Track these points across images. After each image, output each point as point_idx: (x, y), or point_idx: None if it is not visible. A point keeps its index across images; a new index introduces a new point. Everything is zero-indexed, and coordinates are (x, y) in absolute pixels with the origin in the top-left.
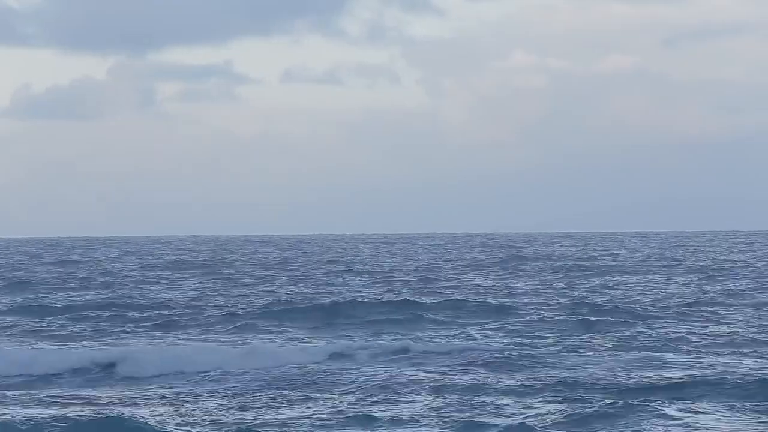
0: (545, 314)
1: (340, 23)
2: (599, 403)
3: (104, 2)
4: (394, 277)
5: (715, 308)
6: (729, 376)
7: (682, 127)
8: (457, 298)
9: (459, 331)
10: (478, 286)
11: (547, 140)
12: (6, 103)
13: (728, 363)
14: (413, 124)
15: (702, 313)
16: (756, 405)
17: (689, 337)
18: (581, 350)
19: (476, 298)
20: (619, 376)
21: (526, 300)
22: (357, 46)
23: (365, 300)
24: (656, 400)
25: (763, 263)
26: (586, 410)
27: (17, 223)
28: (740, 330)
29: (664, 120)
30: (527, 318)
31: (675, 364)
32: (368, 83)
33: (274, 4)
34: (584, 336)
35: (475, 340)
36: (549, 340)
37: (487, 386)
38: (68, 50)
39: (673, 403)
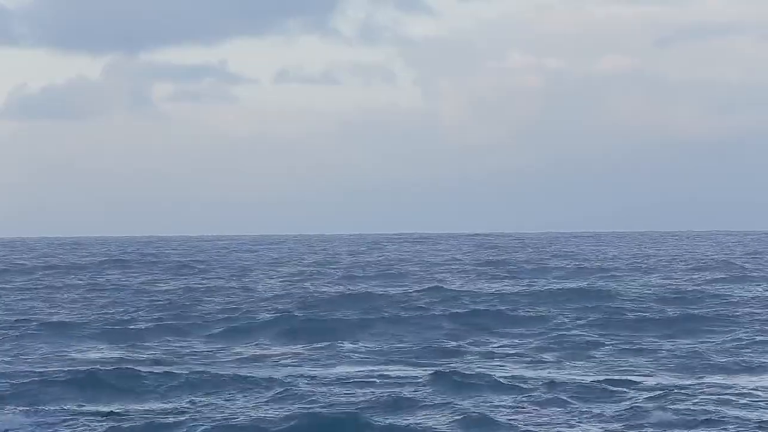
0: None
1: (334, 23)
2: None
3: (97, 2)
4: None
5: None
6: None
7: (680, 127)
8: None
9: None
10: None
11: (544, 140)
12: (0, 103)
13: None
14: (410, 124)
15: None
16: None
17: None
18: None
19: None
20: None
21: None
22: (352, 46)
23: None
24: None
25: None
26: None
27: (15, 224)
28: None
29: (660, 120)
30: None
31: None
32: (364, 83)
33: (267, 4)
34: None
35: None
36: None
37: None
38: (62, 50)
39: None
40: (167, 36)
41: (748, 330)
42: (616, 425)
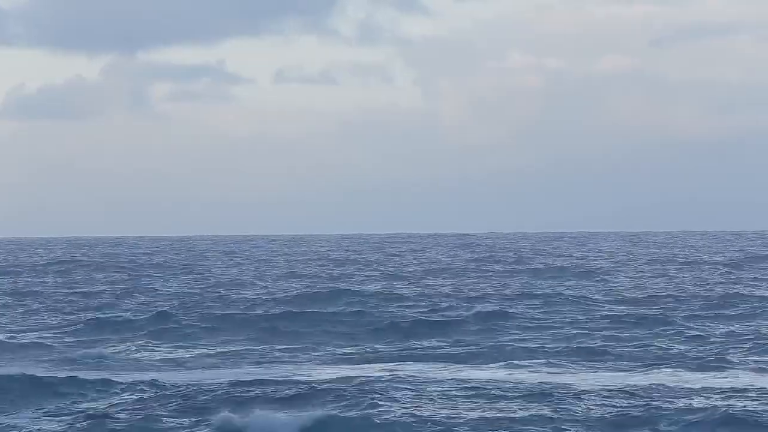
0: None
1: (333, 23)
2: None
3: (95, 2)
4: None
5: None
6: None
7: (680, 127)
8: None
9: None
10: None
11: (544, 140)
12: None
13: None
14: (410, 124)
15: None
16: None
17: None
18: None
19: None
20: None
21: None
22: (351, 46)
23: None
24: None
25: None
26: None
27: (13, 224)
28: None
29: (660, 120)
30: None
31: None
32: (363, 83)
33: (266, 4)
34: None
35: None
36: None
37: None
38: (60, 50)
39: None
40: (166, 36)
41: (730, 328)
42: (587, 424)
